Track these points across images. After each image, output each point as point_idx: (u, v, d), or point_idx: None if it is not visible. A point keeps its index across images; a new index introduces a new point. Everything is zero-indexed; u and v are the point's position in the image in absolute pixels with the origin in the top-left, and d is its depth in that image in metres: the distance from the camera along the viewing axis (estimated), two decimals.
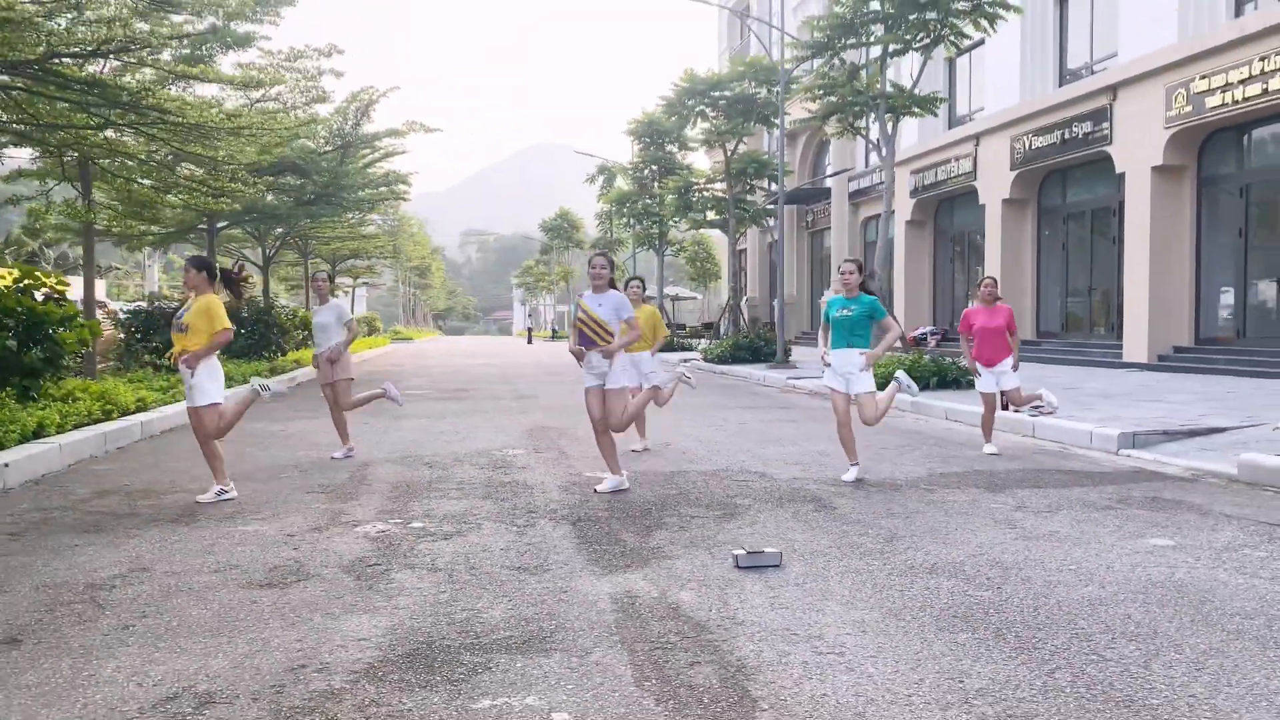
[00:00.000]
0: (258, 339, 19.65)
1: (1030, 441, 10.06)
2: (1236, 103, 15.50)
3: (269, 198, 16.02)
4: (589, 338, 7.13)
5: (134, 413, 10.87)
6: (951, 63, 25.30)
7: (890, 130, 16.98)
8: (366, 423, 11.54)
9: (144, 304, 15.35)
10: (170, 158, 13.24)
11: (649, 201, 35.62)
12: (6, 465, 7.35)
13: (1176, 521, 6.00)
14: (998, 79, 22.75)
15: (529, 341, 56.68)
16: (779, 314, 22.89)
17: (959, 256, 26.61)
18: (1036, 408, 11.09)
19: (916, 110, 17.23)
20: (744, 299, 41.55)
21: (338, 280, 41.57)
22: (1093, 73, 20.26)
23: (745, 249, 42.34)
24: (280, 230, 23.15)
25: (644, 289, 9.98)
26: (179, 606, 4.26)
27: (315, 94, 15.84)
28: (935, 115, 17.67)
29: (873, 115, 17.20)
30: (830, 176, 30.83)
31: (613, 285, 7.58)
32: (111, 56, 9.61)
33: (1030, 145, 21.15)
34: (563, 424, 11.62)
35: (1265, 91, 14.97)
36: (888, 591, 4.44)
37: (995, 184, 22.62)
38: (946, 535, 5.59)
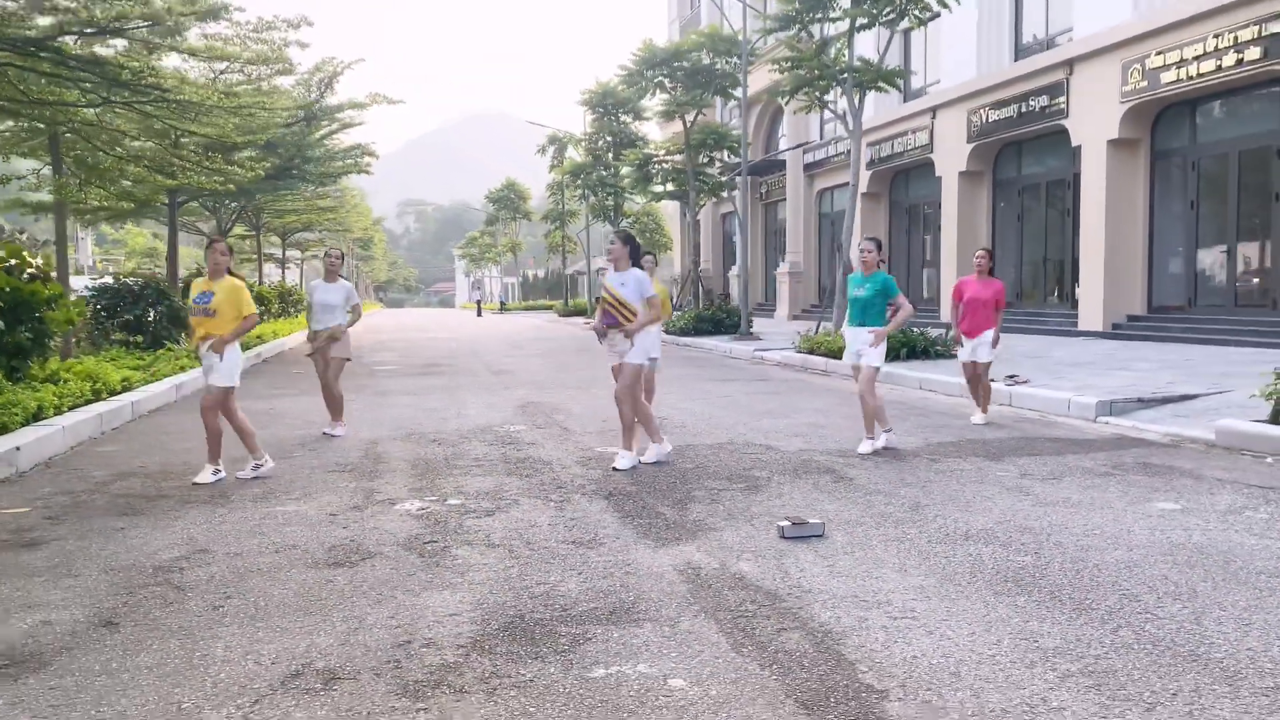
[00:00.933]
0: None
1: (1010, 410, 10.41)
2: (1191, 78, 16.00)
3: (257, 172, 15.73)
4: (615, 318, 7.36)
5: (120, 393, 10.76)
6: (907, 36, 25.58)
7: (857, 104, 17.23)
8: (353, 399, 11.54)
9: (110, 280, 15.09)
10: (170, 137, 12.98)
11: (604, 173, 35.61)
12: (18, 449, 7.30)
13: (1174, 486, 6.34)
14: (954, 52, 23.09)
15: (478, 314, 56.40)
16: (741, 286, 23.13)
17: (914, 228, 27.07)
18: (1011, 377, 11.48)
19: (882, 85, 17.49)
20: (698, 270, 41.80)
21: (286, 254, 40.96)
22: (1048, 47, 20.68)
23: (697, 220, 42.50)
24: (236, 204, 22.76)
25: (656, 263, 10.13)
26: (258, 587, 4.35)
27: (281, 66, 15.60)
28: (899, 90, 17.94)
29: (839, 89, 17.43)
30: (791, 150, 31.07)
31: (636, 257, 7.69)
32: (115, 34, 9.42)
33: (987, 118, 21.58)
34: (552, 400, 11.74)
35: (1219, 68, 15.48)
36: (934, 559, 4.68)
37: (951, 156, 23.04)
38: (967, 503, 5.86)
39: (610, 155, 35.28)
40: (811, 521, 5.12)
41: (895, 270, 27.24)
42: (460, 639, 3.67)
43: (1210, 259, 17.19)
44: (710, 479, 6.71)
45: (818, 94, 17.53)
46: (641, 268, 7.54)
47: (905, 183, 27.07)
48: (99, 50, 10.18)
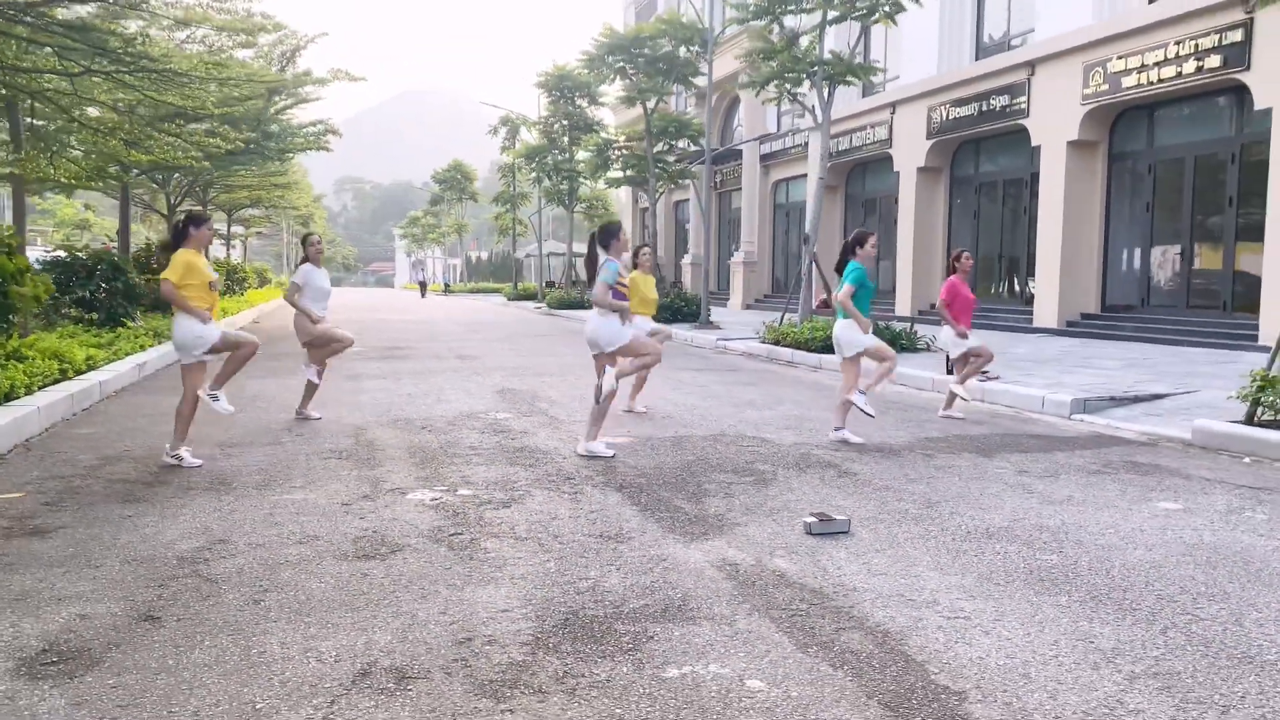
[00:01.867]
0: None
1: (985, 406, 10.57)
2: (1152, 83, 16.37)
3: (236, 145, 15.30)
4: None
5: (85, 372, 10.43)
6: (867, 32, 25.81)
7: (827, 98, 17.33)
8: (323, 383, 11.32)
9: (62, 254, 14.59)
10: (144, 108, 12.55)
11: (560, 157, 35.40)
12: None
13: (1167, 486, 6.49)
14: (915, 49, 23.32)
15: (422, 295, 55.81)
16: (702, 275, 23.17)
17: (870, 220, 27.34)
18: (983, 373, 11.68)
19: (851, 79, 17.61)
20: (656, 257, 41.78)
21: (232, 229, 40.05)
22: (1009, 47, 21.00)
23: (650, 208, 42.48)
24: (186, 178, 22.15)
25: (654, 255, 10.19)
26: (293, 580, 4.25)
27: (245, 39, 15.19)
28: (872, 84, 18.08)
29: (809, 82, 17.50)
30: (754, 141, 31.17)
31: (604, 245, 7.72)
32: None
33: (947, 115, 21.86)
34: (529, 386, 11.65)
35: (1179, 74, 15.86)
36: (964, 556, 4.74)
37: (911, 152, 23.30)
38: (977, 500, 5.94)
39: (566, 139, 35.08)
40: (837, 518, 5.15)
41: None
42: (520, 636, 3.63)
43: (1164, 260, 17.64)
44: (716, 472, 6.71)
45: (789, 86, 17.58)
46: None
47: (862, 176, 27.33)
48: (85, 14, 9.84)
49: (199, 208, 28.97)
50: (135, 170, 16.27)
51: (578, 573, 4.40)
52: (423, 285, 58.58)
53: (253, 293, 32.41)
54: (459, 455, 7.22)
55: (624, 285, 7.49)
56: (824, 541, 4.96)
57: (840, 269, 8.37)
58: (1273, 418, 8.18)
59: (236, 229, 41.33)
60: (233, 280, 28.51)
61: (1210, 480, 6.70)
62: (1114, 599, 4.13)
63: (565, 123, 34.62)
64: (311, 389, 9.13)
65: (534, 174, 36.68)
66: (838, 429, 8.14)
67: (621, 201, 51.96)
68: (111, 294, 14.39)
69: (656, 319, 23.63)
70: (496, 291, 57.17)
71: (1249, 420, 8.26)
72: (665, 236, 40.98)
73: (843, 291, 8.18)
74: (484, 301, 45.81)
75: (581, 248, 51.02)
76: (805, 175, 28.82)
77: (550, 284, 42.98)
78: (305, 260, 9.12)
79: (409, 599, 4.03)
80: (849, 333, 8.13)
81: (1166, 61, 16.05)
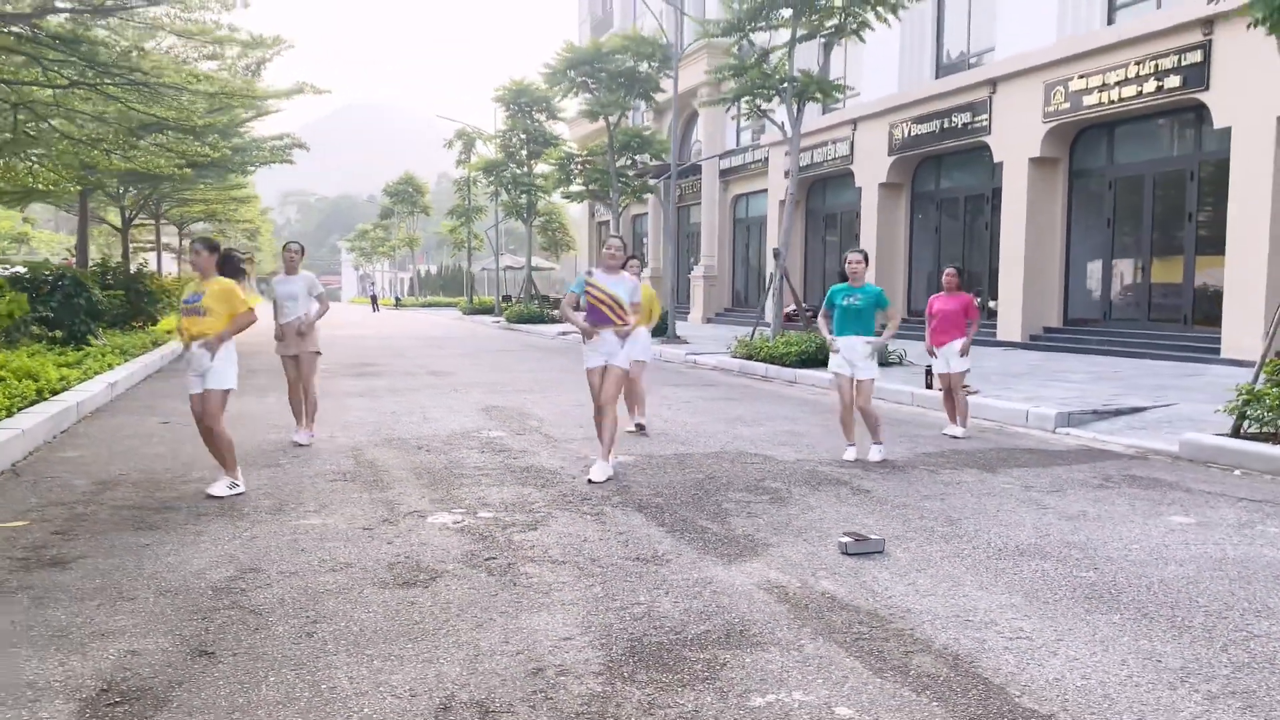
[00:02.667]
0: (129, 308, 18.47)
1: (969, 421, 10.68)
2: (1113, 102, 16.75)
3: (223, 153, 14.99)
4: (605, 316, 7.18)
5: (60, 392, 10.13)
6: (827, 48, 26.12)
7: (797, 114, 17.47)
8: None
9: (22, 270, 14.18)
10: (128, 121, 12.25)
11: (518, 170, 35.29)
12: None
13: (1171, 500, 6.60)
14: (875, 66, 23.61)
15: (374, 309, 55.22)
16: (668, 289, 23.20)
17: (831, 235, 27.62)
18: (964, 387, 11.81)
19: (818, 96, 17.78)
20: None
21: (183, 244, 39.26)
22: (969, 66, 21.37)
23: (607, 221, 42.49)
24: (143, 192, 21.67)
25: (642, 265, 10.11)
26: (340, 611, 4.14)
27: (210, 50, 14.92)
28: (840, 102, 18.27)
29: (778, 99, 17.64)
30: (718, 157, 31.32)
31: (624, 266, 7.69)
32: (104, 13, 8.83)
33: (909, 132, 22.16)
34: (512, 404, 11.54)
35: (1140, 93, 16.24)
36: (1004, 575, 4.76)
37: (872, 168, 23.59)
38: (995, 517, 5.99)
39: (525, 153, 34.98)
40: (872, 538, 5.15)
41: (813, 277, 27.80)
42: (591, 665, 3.56)
43: (1125, 275, 18.02)
44: (730, 490, 6.68)
45: (759, 102, 17.70)
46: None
47: (823, 191, 27.60)
48: (65, 24, 9.58)
49: (150, 221, 28.38)
50: (114, 179, 15.86)
51: (627, 597, 4.34)
52: (374, 299, 57.91)
53: None
54: (466, 476, 7.12)
55: (593, 295, 7.20)
56: (862, 561, 4.95)
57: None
58: (1258, 430, 8.37)
59: (187, 243, 40.49)
60: None
61: (1212, 494, 6.81)
62: (1165, 616, 4.17)
63: (524, 136, 34.54)
64: (296, 410, 8.90)
65: (491, 188, 36.47)
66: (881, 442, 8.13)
67: (576, 216, 51.96)
68: (75, 311, 14.01)
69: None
70: (449, 305, 56.76)
71: (1235, 433, 8.44)
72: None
73: (820, 313, 8.30)
74: (438, 315, 45.44)
75: (539, 261, 50.68)
76: (765, 190, 29.06)
77: (507, 298, 42.75)
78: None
79: (466, 628, 3.94)
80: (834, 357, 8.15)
81: (1127, 81, 16.44)
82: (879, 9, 16.76)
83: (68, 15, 9.73)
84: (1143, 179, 17.39)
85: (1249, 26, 8.62)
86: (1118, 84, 16.63)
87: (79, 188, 14.91)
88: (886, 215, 23.61)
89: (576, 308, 7.43)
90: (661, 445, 8.62)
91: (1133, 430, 9.64)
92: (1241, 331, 14.64)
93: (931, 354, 9.85)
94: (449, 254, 62.28)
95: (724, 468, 7.54)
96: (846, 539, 5.13)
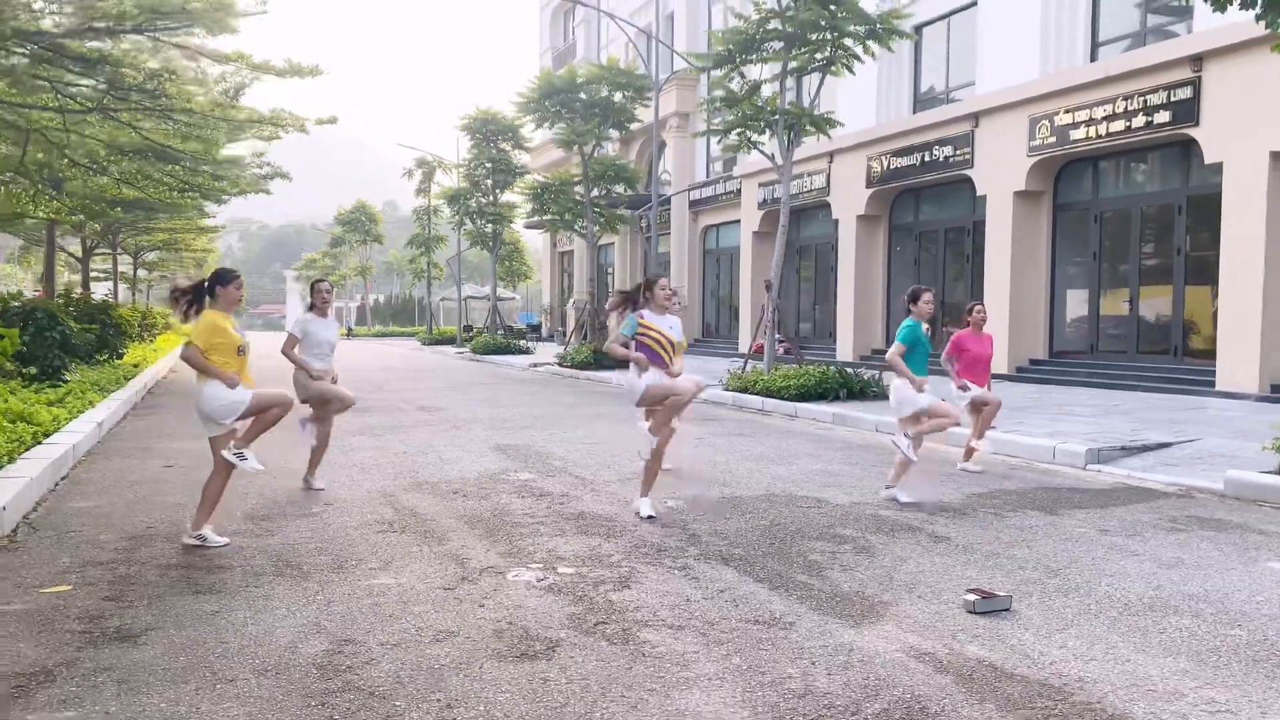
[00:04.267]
0: (97, 340, 17.69)
1: (995, 457, 10.49)
2: (1100, 136, 16.89)
3: (241, 189, 14.41)
4: (659, 357, 7.27)
5: (50, 434, 9.52)
6: (800, 80, 26.23)
7: (788, 147, 17.37)
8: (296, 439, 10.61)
9: None
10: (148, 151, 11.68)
11: (483, 200, 34.88)
12: (4, 508, 6.25)
13: (1255, 544, 6.42)
14: (852, 100, 23.68)
15: None
16: None
17: (805, 267, 27.59)
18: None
19: (810, 128, 17.70)
20: (570, 301, 41.43)
21: (138, 274, 38.18)
22: (949, 100, 21.52)
23: (570, 250, 42.23)
24: (107, 220, 20.89)
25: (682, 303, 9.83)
26: (470, 691, 3.74)
27: (196, 78, 14.38)
28: (829, 136, 18.24)
29: (769, 132, 17.52)
30: (686, 190, 31.20)
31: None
32: (134, 33, 8.34)
33: (888, 165, 22.22)
34: (523, 441, 11.13)
35: (1129, 128, 16.39)
36: (1150, 634, 4.50)
37: (849, 200, 23.60)
38: (1094, 566, 5.75)
39: (490, 182, 34.60)
40: (999, 595, 4.87)
41: (787, 308, 27.64)
42: None
43: (1112, 307, 18.13)
44: (804, 539, 6.37)
45: (750, 135, 17.58)
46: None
47: (797, 223, 27.50)
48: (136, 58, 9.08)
49: (108, 252, 27.42)
50: (115, 208, 15.20)
51: (774, 669, 4.00)
52: None
53: (162, 339, 30.83)
54: (520, 525, 6.72)
55: (648, 336, 7.23)
56: (993, 621, 4.67)
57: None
58: None
59: (141, 273, 39.43)
60: (144, 326, 27.02)
61: None
62: None
63: (489, 165, 34.17)
64: (315, 453, 8.42)
65: (455, 217, 35.99)
66: (889, 487, 7.89)
67: (534, 246, 51.65)
68: (49, 345, 13.31)
69: (606, 364, 23.24)
70: (405, 335, 55.88)
71: None
72: (586, 281, 40.67)
73: (892, 350, 8.01)
74: (396, 346, 44.58)
75: (505, 291, 50.08)
76: (737, 221, 28.99)
77: (468, 328, 42.16)
78: (311, 308, 8.42)
79: (619, 710, 3.57)
80: (903, 391, 7.93)
81: (1115, 116, 16.59)
82: (868, 42, 16.78)
83: (98, 34, 9.22)
84: (1129, 212, 17.54)
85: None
86: (1105, 119, 16.77)
87: (79, 218, 14.28)
88: (864, 248, 23.61)
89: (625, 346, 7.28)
90: (702, 487, 8.29)
91: (1166, 467, 9.52)
92: (1236, 365, 14.74)
93: (964, 389, 9.66)
94: (404, 283, 61.46)
95: (783, 513, 7.22)
96: (972, 597, 4.84)
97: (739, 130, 17.42)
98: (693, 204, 31.82)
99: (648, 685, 3.81)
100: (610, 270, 38.44)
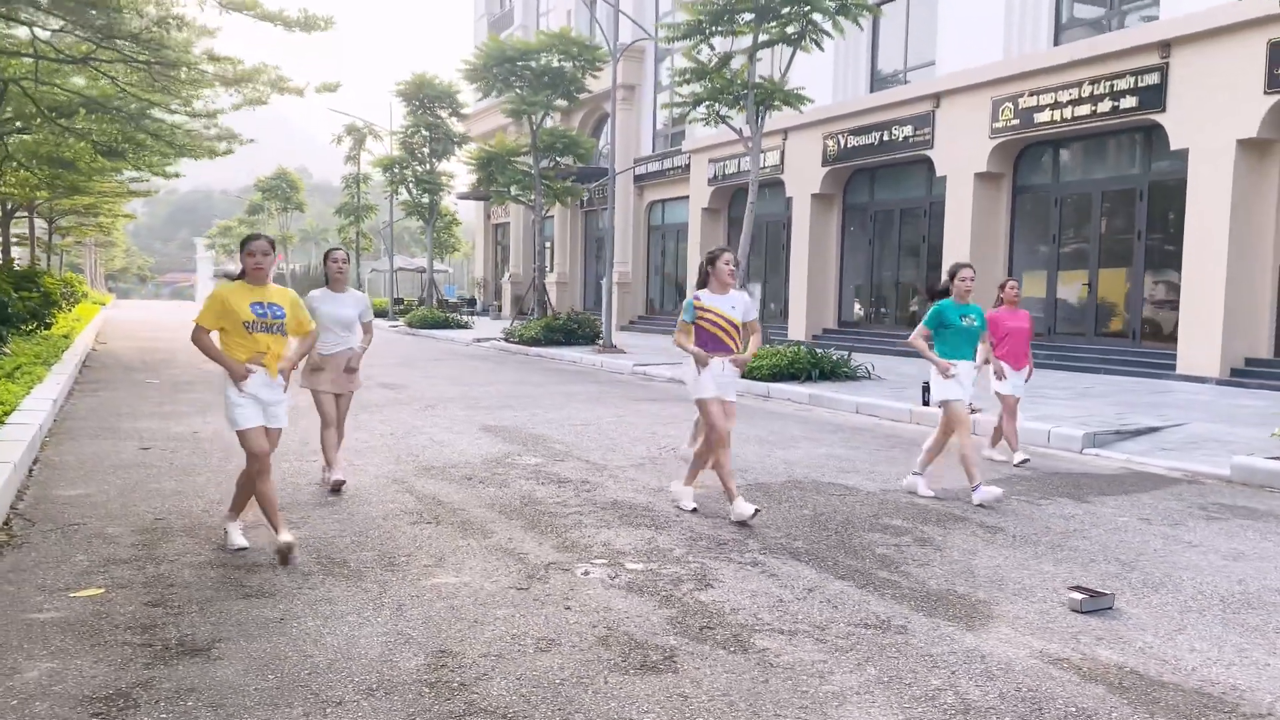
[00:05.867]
0: (28, 311, 16.67)
1: (982, 439, 10.44)
2: (1065, 120, 17.00)
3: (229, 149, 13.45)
4: (722, 343, 6.49)
5: (9, 412, 8.82)
6: (751, 57, 25.99)
7: (759, 122, 17.12)
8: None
9: None
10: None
11: (419, 168, 33.97)
12: None
13: None
14: (808, 77, 23.47)
15: None
16: (605, 294, 22.53)
17: (755, 244, 27.42)
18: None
19: (778, 104, 17.47)
20: (506, 275, 40.75)
21: (53, 240, 36.25)
22: (906, 80, 21.50)
23: (508, 223, 41.48)
24: (35, 179, 19.59)
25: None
26: (607, 711, 3.41)
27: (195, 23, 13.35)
28: (800, 111, 18.04)
29: (738, 106, 17.24)
30: (633, 164, 30.73)
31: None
32: None
33: (845, 144, 22.14)
34: (507, 423, 10.71)
35: (1094, 113, 16.52)
36: (1270, 634, 4.39)
37: (804, 178, 23.49)
38: (1162, 558, 5.64)
39: (426, 150, 33.69)
40: (1104, 593, 4.72)
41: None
42: None
43: (1070, 290, 18.35)
44: (857, 530, 6.15)
45: (719, 108, 17.28)
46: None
47: (744, 200, 27.33)
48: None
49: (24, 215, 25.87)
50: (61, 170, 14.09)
51: (917, 682, 3.76)
52: None
53: (80, 308, 29.33)
54: (557, 514, 6.37)
55: (707, 319, 6.50)
56: (1105, 620, 4.50)
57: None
58: None
59: (56, 239, 37.47)
60: (64, 295, 25.64)
61: None
62: None
63: (426, 133, 33.25)
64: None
65: (390, 186, 34.98)
66: (915, 474, 7.55)
67: (468, 218, 50.63)
68: None
69: (554, 341, 22.74)
70: None
71: None
72: (525, 254, 40.02)
73: (914, 332, 7.70)
74: None
75: (437, 264, 49.09)
76: (685, 197, 28.69)
77: (399, 301, 41.15)
78: (326, 282, 7.42)
79: None
80: (935, 379, 7.60)
81: (1080, 100, 16.70)
82: (839, 18, 16.58)
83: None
84: (1090, 196, 17.74)
85: None
86: (1070, 103, 16.88)
87: (44, 192, 13.25)
88: (819, 226, 23.55)
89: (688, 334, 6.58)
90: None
91: (1164, 451, 9.56)
92: (1197, 349, 15.01)
93: (1000, 375, 9.18)
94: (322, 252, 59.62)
95: (819, 501, 7.00)
96: (1078, 595, 4.66)
97: (708, 103, 17.09)
98: (638, 179, 31.42)
99: (797, 702, 3.53)
100: (549, 243, 37.84)
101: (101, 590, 4.60)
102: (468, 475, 7.64)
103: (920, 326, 7.65)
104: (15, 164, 11.12)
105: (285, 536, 5.05)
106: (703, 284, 6.68)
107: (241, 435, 5.31)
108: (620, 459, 8.57)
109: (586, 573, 5.07)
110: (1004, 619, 4.50)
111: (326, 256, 7.39)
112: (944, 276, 7.90)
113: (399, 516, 6.24)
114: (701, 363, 6.42)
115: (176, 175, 19.40)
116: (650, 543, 5.71)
